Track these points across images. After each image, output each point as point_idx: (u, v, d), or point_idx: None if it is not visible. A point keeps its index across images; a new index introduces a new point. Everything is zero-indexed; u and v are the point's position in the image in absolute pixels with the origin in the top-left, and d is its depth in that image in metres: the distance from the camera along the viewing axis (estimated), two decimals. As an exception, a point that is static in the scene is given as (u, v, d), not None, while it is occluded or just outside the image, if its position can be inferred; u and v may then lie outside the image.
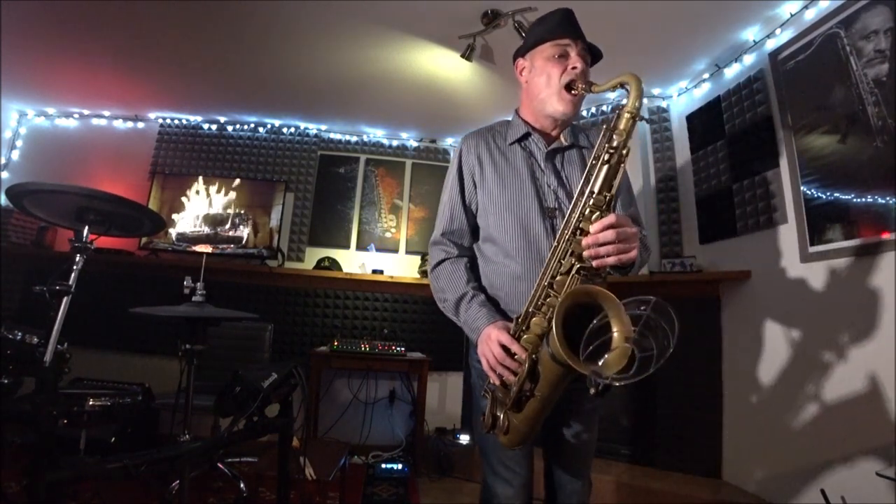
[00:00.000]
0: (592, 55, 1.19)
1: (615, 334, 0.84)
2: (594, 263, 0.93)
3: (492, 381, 1.06)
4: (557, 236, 1.01)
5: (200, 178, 3.59)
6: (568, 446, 1.21)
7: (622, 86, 0.99)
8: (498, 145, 1.25)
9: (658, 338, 0.81)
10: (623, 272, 1.03)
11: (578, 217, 0.98)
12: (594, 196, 0.96)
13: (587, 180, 0.98)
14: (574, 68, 1.12)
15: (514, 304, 1.14)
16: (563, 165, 1.22)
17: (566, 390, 1.07)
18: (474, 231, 1.27)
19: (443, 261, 1.25)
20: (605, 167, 0.96)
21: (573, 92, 1.12)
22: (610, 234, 0.90)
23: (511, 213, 1.16)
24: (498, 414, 1.04)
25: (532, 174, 1.19)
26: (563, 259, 0.98)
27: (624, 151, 0.96)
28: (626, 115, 0.96)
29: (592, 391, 0.83)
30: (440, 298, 1.24)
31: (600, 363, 0.83)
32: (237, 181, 3.61)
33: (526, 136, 1.23)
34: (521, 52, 1.24)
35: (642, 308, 0.83)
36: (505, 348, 1.01)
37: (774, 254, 2.23)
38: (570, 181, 1.20)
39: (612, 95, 3.05)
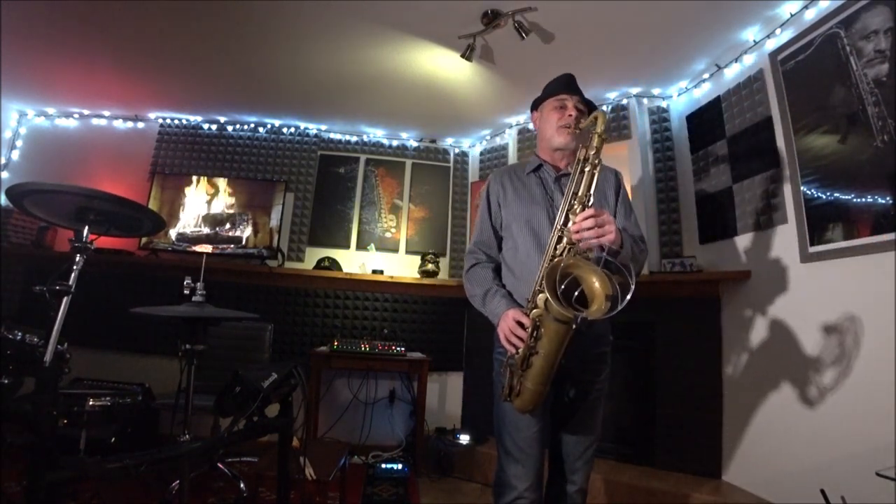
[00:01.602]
0: (588, 107, 1.55)
1: (597, 286, 1.14)
2: (581, 245, 1.22)
3: (508, 353, 1.31)
4: (553, 228, 1.31)
5: (203, 178, 3.59)
6: (574, 412, 1.43)
7: (595, 119, 1.33)
8: (518, 175, 1.60)
9: (623, 277, 1.11)
10: (615, 256, 1.25)
11: (567, 211, 1.29)
12: (577, 196, 1.28)
13: (571, 185, 1.31)
14: (570, 115, 1.50)
15: (529, 290, 1.37)
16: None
17: (580, 370, 1.39)
18: (499, 243, 1.59)
19: (475, 265, 1.56)
20: (583, 174, 1.29)
21: (567, 131, 1.49)
22: (589, 221, 1.20)
23: (527, 225, 1.49)
24: (513, 383, 1.30)
25: (544, 194, 1.52)
26: (559, 245, 1.28)
27: (595, 161, 1.28)
28: (596, 137, 1.30)
29: (574, 326, 1.13)
30: (471, 294, 1.53)
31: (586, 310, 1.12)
32: (237, 181, 3.61)
33: (539, 167, 1.58)
34: (534, 107, 1.65)
35: (600, 254, 1.19)
36: (517, 321, 1.28)
37: (774, 254, 2.23)
38: None
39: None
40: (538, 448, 1.37)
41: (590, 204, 1.27)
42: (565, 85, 1.57)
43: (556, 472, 1.47)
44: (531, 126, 3.47)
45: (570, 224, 1.25)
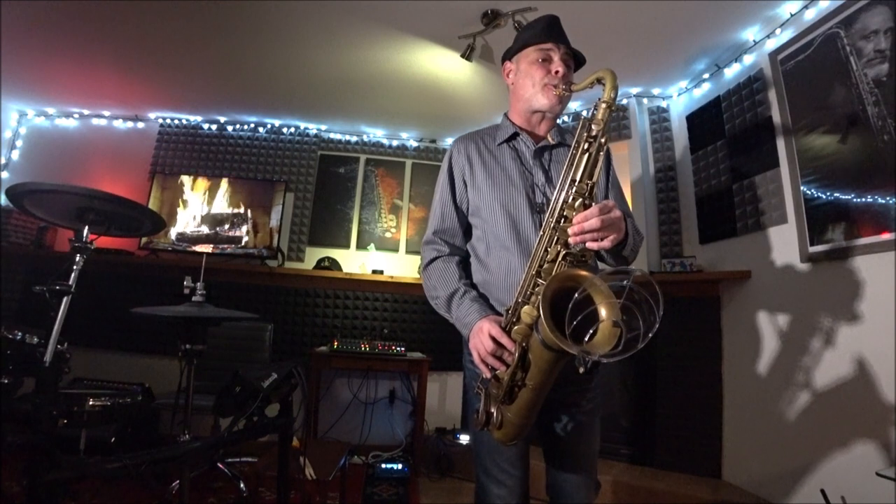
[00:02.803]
0: (576, 60, 1.24)
1: (602, 313, 0.87)
2: (588, 245, 0.95)
3: (484, 375, 1.06)
4: (542, 226, 1.04)
5: (201, 178, 3.59)
6: (567, 447, 1.20)
7: (599, 81, 1.04)
8: (487, 146, 1.29)
9: (643, 313, 0.83)
10: (616, 257, 1.08)
11: (562, 206, 1.01)
12: (576, 184, 1.00)
13: (568, 170, 1.02)
14: (556, 72, 1.17)
15: (506, 298, 1.14)
16: (551, 163, 1.25)
17: (564, 392, 1.10)
18: (466, 231, 1.30)
19: (434, 259, 1.29)
20: (586, 156, 1.00)
21: (555, 91, 1.17)
22: (594, 223, 0.93)
23: (502, 210, 1.19)
24: (491, 410, 1.04)
25: (521, 172, 1.23)
26: (550, 247, 1.01)
27: (602, 140, 1.00)
28: (603, 106, 1.01)
29: (581, 370, 0.84)
30: (432, 296, 1.26)
31: (588, 341, 0.86)
32: (237, 181, 3.61)
33: (514, 136, 1.27)
34: (507, 56, 1.30)
35: (624, 281, 0.85)
36: (495, 340, 1.02)
37: (774, 254, 2.23)
38: (557, 178, 1.18)
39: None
40: (522, 467, 1.17)
41: (593, 194, 1.00)
42: (549, 29, 1.21)
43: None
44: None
45: (563, 222, 0.99)
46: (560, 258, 0.99)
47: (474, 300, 1.15)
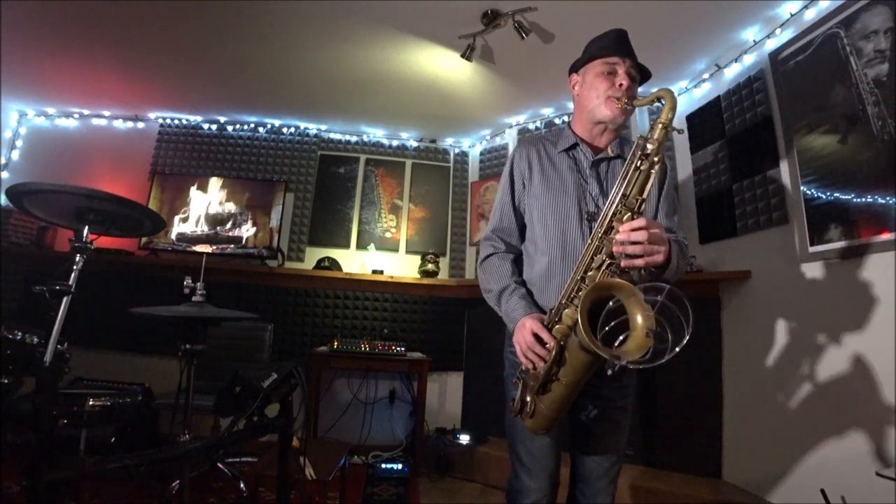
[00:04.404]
0: (641, 73, 1.29)
1: (639, 322, 0.93)
2: (622, 264, 1.02)
3: (524, 367, 1.15)
4: (591, 234, 1.10)
5: (201, 178, 3.59)
6: (597, 438, 1.27)
7: (659, 100, 1.08)
8: (548, 152, 1.34)
9: (674, 326, 0.90)
10: (657, 274, 1.10)
11: (611, 218, 1.06)
12: (626, 199, 1.04)
13: (620, 183, 1.07)
14: (621, 85, 1.21)
15: (543, 299, 1.25)
16: (607, 175, 1.29)
17: (599, 385, 1.18)
18: (522, 230, 1.37)
19: (491, 255, 1.36)
20: (638, 173, 1.04)
21: (618, 104, 1.20)
22: (640, 235, 0.99)
23: (553, 217, 1.27)
24: (526, 399, 1.13)
25: (576, 181, 1.28)
26: (596, 256, 1.07)
27: (656, 158, 1.03)
28: (660, 126, 1.04)
29: (609, 372, 0.92)
30: (485, 289, 1.34)
31: (620, 348, 0.93)
32: (237, 181, 3.61)
33: (574, 146, 1.32)
34: (575, 68, 1.35)
35: (658, 296, 0.93)
36: (536, 336, 1.10)
37: (774, 254, 2.23)
38: (611, 190, 1.23)
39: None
40: (553, 457, 1.26)
41: (641, 210, 1.04)
42: (616, 43, 1.26)
43: (577, 493, 1.32)
44: (531, 125, 3.48)
45: (611, 233, 1.04)
46: (605, 267, 1.06)
47: (522, 297, 1.23)
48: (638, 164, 1.04)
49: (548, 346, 1.08)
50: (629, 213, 1.04)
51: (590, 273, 1.06)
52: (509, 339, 1.26)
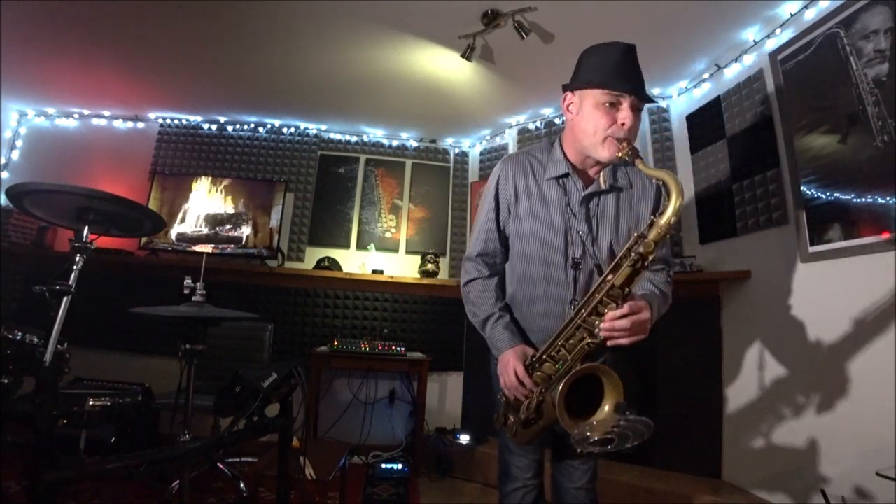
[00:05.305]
0: (642, 101, 1.17)
1: (608, 403, 1.09)
2: (608, 343, 1.08)
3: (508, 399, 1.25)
4: (575, 311, 1.13)
5: (201, 178, 3.59)
6: (568, 457, 1.36)
7: (665, 187, 1.01)
8: (536, 176, 1.28)
9: (637, 428, 1.07)
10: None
11: (596, 303, 1.08)
12: (615, 289, 1.05)
13: (611, 273, 1.07)
14: (623, 124, 1.11)
15: (532, 319, 1.31)
16: (597, 212, 1.25)
17: None
18: (507, 248, 1.37)
19: (474, 279, 1.36)
20: (629, 269, 1.03)
21: (617, 146, 1.11)
22: (625, 323, 1.04)
23: (538, 252, 1.26)
24: (509, 417, 1.25)
25: (563, 215, 1.24)
26: (577, 331, 1.11)
27: (649, 259, 1.02)
28: (658, 230, 1.00)
29: (579, 450, 1.04)
30: (471, 312, 1.36)
31: (588, 424, 1.08)
32: (237, 181, 3.61)
33: (565, 175, 1.25)
34: (571, 88, 1.22)
35: (621, 421, 1.08)
36: (519, 379, 1.18)
37: (774, 254, 2.23)
38: (598, 230, 1.25)
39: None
40: (537, 451, 1.37)
41: (626, 297, 1.06)
42: (621, 72, 1.12)
43: (560, 475, 1.38)
44: (531, 126, 3.48)
45: (593, 315, 1.09)
46: (584, 343, 1.11)
47: (506, 327, 1.27)
48: (631, 263, 1.02)
49: (528, 390, 1.17)
50: (612, 304, 1.06)
51: (570, 342, 1.12)
52: (495, 359, 1.29)
